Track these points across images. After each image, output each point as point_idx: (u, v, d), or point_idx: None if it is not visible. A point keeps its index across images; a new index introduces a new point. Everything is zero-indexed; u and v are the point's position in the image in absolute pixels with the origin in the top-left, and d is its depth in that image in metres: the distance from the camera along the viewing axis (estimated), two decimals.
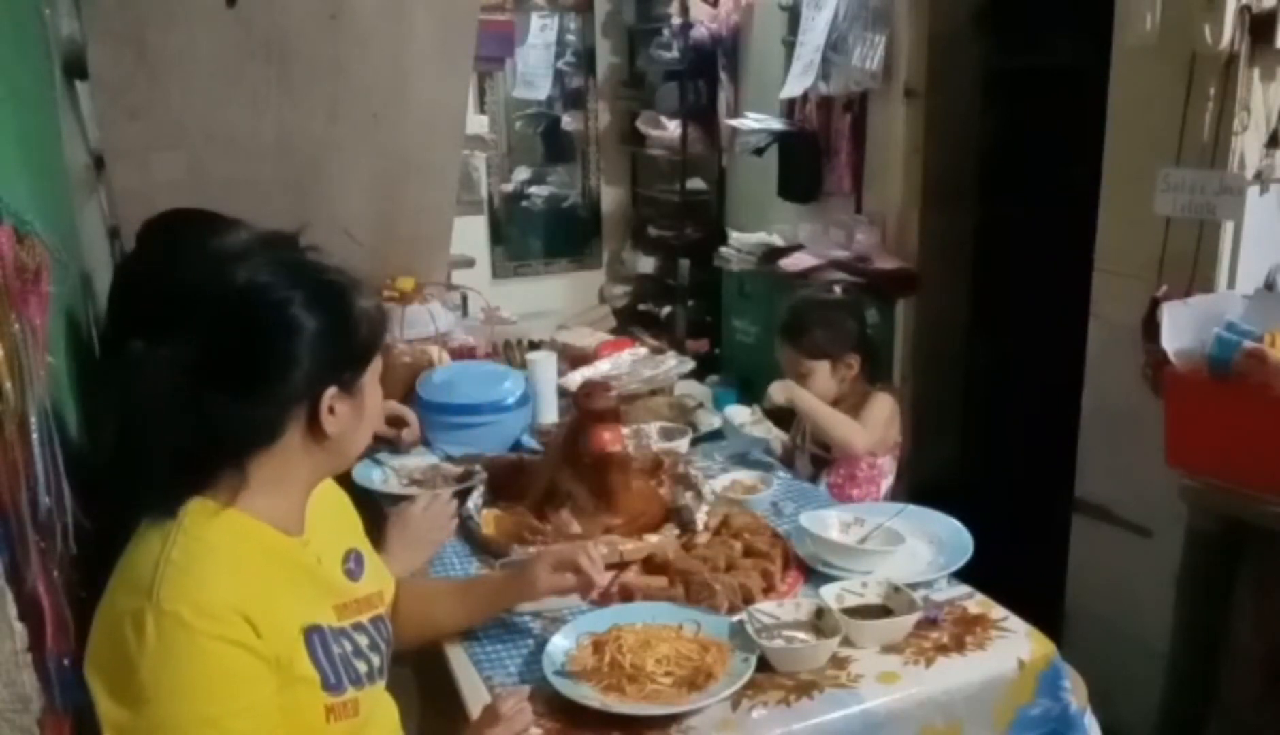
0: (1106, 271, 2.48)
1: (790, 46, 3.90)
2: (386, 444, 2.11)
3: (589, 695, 1.29)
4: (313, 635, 1.10)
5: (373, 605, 1.25)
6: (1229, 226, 2.20)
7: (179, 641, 0.98)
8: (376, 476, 2.02)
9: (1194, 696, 2.17)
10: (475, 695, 1.35)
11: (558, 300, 5.12)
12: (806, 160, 3.95)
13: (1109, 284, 2.47)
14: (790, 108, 4.03)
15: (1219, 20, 2.05)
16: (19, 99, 1.52)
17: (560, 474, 1.83)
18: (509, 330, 3.09)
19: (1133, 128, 2.37)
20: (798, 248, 3.88)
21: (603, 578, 1.45)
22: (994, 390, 3.57)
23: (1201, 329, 2.01)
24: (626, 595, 1.54)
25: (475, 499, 1.87)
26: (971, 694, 1.37)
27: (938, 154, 3.52)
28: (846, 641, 1.40)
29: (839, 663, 1.38)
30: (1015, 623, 1.49)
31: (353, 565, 1.26)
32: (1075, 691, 1.46)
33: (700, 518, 1.76)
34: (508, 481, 1.96)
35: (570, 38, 5.08)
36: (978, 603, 1.55)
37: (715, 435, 2.27)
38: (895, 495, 2.26)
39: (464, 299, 3.14)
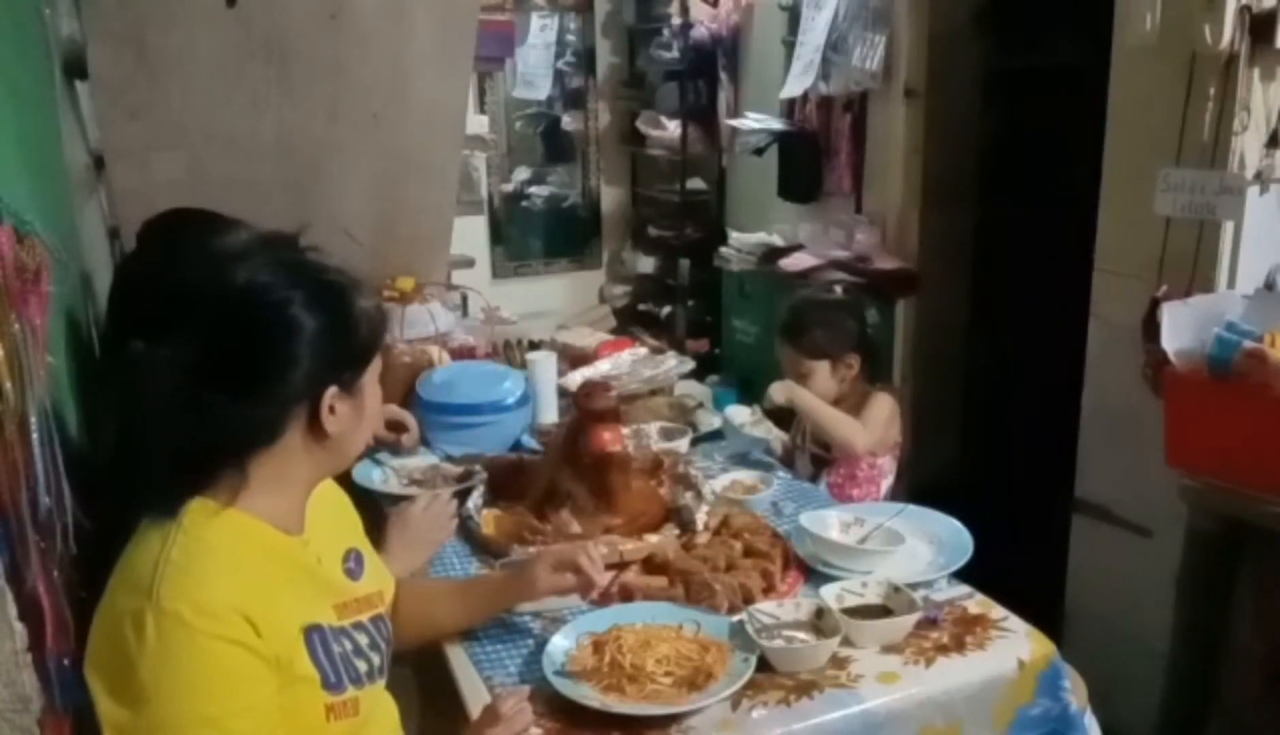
0: (1106, 271, 2.48)
1: (790, 46, 3.90)
2: (386, 446, 2.11)
3: (589, 695, 1.29)
4: (313, 634, 1.10)
5: (373, 604, 1.25)
6: (1229, 226, 2.20)
7: (179, 641, 0.98)
8: (376, 476, 2.02)
9: (1194, 696, 2.17)
10: (475, 695, 1.35)
11: (558, 300, 5.12)
12: (806, 160, 3.95)
13: (1109, 284, 2.47)
14: (790, 108, 4.03)
15: (1219, 20, 2.05)
16: (19, 99, 1.52)
17: (560, 474, 1.83)
18: (509, 330, 3.09)
19: (1133, 128, 2.37)
20: (798, 248, 3.88)
21: (603, 578, 1.45)
22: (994, 390, 3.57)
23: (1201, 329, 2.00)
24: (626, 595, 1.54)
25: (475, 499, 1.87)
26: (971, 694, 1.37)
27: (938, 154, 3.52)
28: (846, 641, 1.40)
29: (839, 663, 1.38)
30: (1015, 623, 1.49)
31: (353, 564, 1.26)
32: (1075, 691, 1.46)
33: (700, 518, 1.76)
34: (508, 481, 1.96)
35: (570, 38, 5.08)
36: (978, 603, 1.55)
37: (715, 435, 2.27)
38: (895, 495, 2.26)
39: (464, 299, 3.14)
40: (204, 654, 0.99)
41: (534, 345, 3.01)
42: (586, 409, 1.80)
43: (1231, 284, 2.23)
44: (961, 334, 3.64)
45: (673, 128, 4.71)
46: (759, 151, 4.12)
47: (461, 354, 2.55)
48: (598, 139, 5.27)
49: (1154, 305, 2.16)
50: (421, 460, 2.11)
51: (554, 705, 1.30)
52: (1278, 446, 1.89)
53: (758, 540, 1.67)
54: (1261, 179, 2.20)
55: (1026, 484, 3.07)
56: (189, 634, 0.98)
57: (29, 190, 1.38)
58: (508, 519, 1.83)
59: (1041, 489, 2.82)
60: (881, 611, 1.47)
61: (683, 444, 2.16)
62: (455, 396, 2.19)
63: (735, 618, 1.45)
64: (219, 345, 1.07)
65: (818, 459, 2.28)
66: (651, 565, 1.63)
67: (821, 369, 2.22)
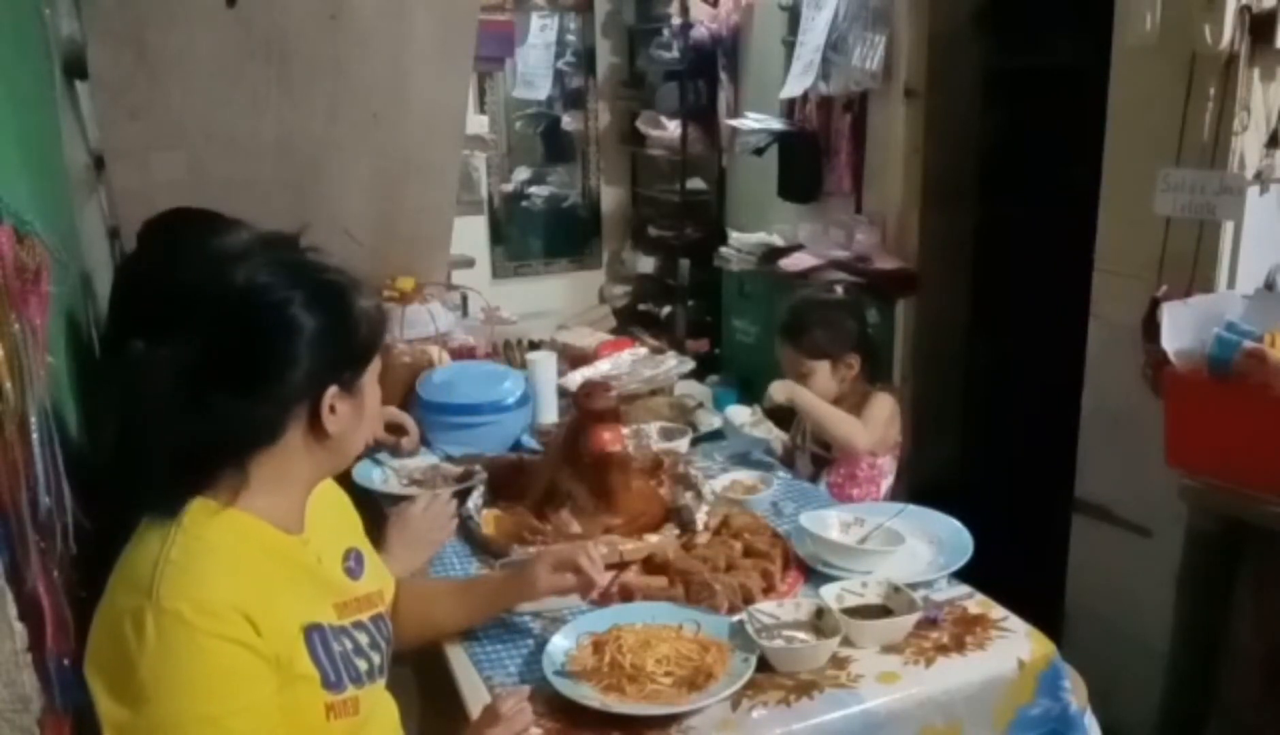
0: (1106, 271, 2.48)
1: (790, 46, 3.90)
2: (386, 448, 2.11)
3: (589, 695, 1.29)
4: (313, 633, 1.10)
5: (373, 603, 1.25)
6: (1229, 226, 2.20)
7: (179, 640, 0.98)
8: (376, 476, 2.02)
9: (1194, 696, 2.17)
10: (475, 695, 1.36)
11: (558, 300, 5.12)
12: (806, 160, 3.95)
13: (1109, 284, 2.47)
14: (790, 108, 4.03)
15: (1219, 20, 2.05)
16: (19, 99, 1.52)
17: (560, 474, 1.83)
18: (509, 330, 3.09)
19: (1133, 128, 2.37)
20: (798, 248, 3.88)
21: (603, 578, 1.45)
22: (994, 390, 3.57)
23: (1201, 329, 2.00)
24: (626, 595, 1.54)
25: (475, 499, 1.87)
26: (971, 694, 1.37)
27: (938, 154, 3.52)
28: (846, 641, 1.41)
29: (839, 663, 1.38)
30: (1015, 623, 1.49)
31: (353, 564, 1.26)
32: (1075, 691, 1.46)
33: (700, 518, 1.76)
34: (508, 481, 1.96)
35: (570, 38, 5.08)
36: (978, 603, 1.55)
37: (715, 435, 2.27)
38: (895, 495, 2.26)
39: (464, 299, 3.14)
40: (204, 653, 0.99)
41: (534, 345, 3.01)
42: (586, 409, 1.80)
43: (1231, 284, 2.23)
44: (961, 334, 3.64)
45: (673, 128, 4.71)
46: (759, 151, 4.12)
47: (461, 354, 2.55)
48: (598, 139, 5.27)
49: (1154, 305, 2.16)
50: (421, 460, 2.11)
51: (554, 705, 1.30)
52: (1278, 446, 1.89)
53: (758, 540, 1.67)
54: (1261, 179, 2.20)
55: (1026, 484, 3.06)
56: (189, 633, 0.98)
57: (29, 190, 1.38)
58: (508, 519, 1.83)
59: (1041, 489, 2.82)
60: (881, 611, 1.47)
61: (683, 444, 2.16)
62: (455, 396, 2.19)
63: (735, 618, 1.45)
64: (219, 345, 1.07)
65: (818, 459, 2.28)
66: (651, 565, 1.63)
67: (822, 369, 2.22)
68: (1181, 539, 2.17)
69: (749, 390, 3.42)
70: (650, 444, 2.13)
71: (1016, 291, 3.42)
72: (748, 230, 4.32)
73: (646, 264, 5.24)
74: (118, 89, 2.31)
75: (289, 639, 1.07)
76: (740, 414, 2.21)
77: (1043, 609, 1.64)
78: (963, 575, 1.60)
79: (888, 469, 2.26)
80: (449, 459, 2.11)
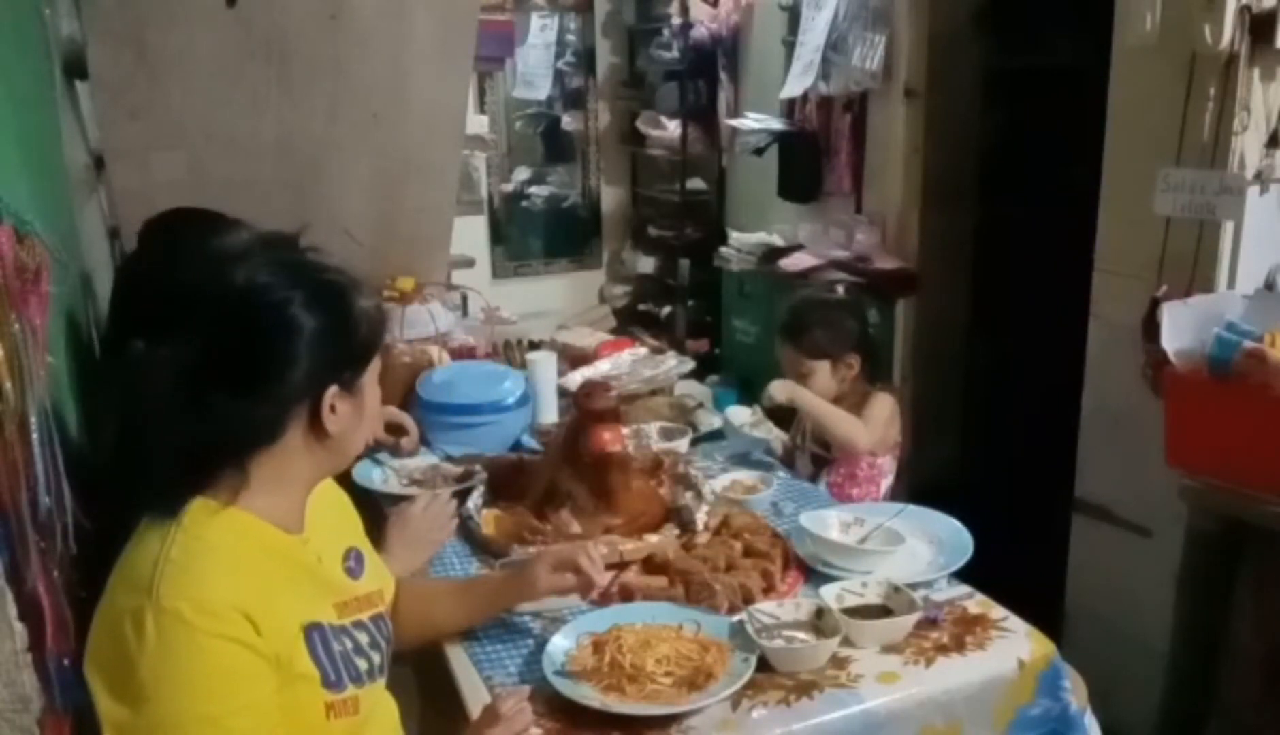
0: (1106, 271, 2.48)
1: (790, 46, 3.90)
2: (386, 449, 2.10)
3: (589, 695, 1.29)
4: (313, 633, 1.11)
5: (373, 603, 1.25)
6: (1229, 226, 2.20)
7: (179, 639, 0.98)
8: (376, 476, 2.02)
9: (1194, 696, 2.17)
10: (475, 695, 1.36)
11: (558, 300, 5.12)
12: (806, 160, 3.95)
13: (1109, 284, 2.47)
14: (790, 108, 4.03)
15: (1219, 20, 2.05)
16: (19, 99, 1.52)
17: (560, 474, 1.83)
18: (509, 330, 3.09)
19: (1133, 128, 2.37)
20: (798, 248, 3.88)
21: (603, 578, 1.45)
22: (994, 390, 3.57)
23: (1201, 329, 2.00)
24: (626, 595, 1.54)
25: (475, 499, 1.87)
26: (971, 694, 1.37)
27: (938, 154, 3.52)
28: (846, 641, 1.41)
29: (839, 663, 1.38)
30: (1015, 623, 1.49)
31: (353, 563, 1.26)
32: (1075, 691, 1.46)
33: (700, 518, 1.76)
34: (508, 481, 1.96)
35: (570, 38, 5.08)
36: (978, 603, 1.55)
37: (715, 435, 2.27)
38: (895, 495, 2.26)
39: (464, 299, 3.14)
40: (204, 652, 0.99)
41: (534, 345, 3.02)
42: (586, 409, 1.80)
43: (1231, 284, 2.23)
44: (961, 334, 3.64)
45: (673, 128, 4.71)
46: (759, 151, 4.12)
47: (461, 354, 2.55)
48: (598, 139, 5.27)
49: (1154, 305, 2.16)
50: (421, 460, 2.11)
51: (554, 705, 1.30)
52: (1278, 446, 1.89)
53: (758, 540, 1.67)
54: (1261, 179, 2.20)
55: (1026, 484, 3.06)
56: (189, 632, 0.99)
57: (29, 190, 1.38)
58: (508, 519, 1.83)
59: (1041, 489, 2.82)
60: (881, 611, 1.47)
61: (683, 444, 2.16)
62: (455, 396, 2.19)
63: (735, 618, 1.45)
64: (219, 345, 1.07)
65: (818, 459, 2.28)
66: (651, 565, 1.63)
67: (822, 369, 2.22)
68: (1181, 539, 2.17)
69: (749, 390, 3.42)
70: (650, 444, 2.13)
71: (1016, 291, 3.42)
72: (748, 230, 4.32)
73: (646, 264, 5.24)
74: (118, 89, 2.31)
75: (289, 638, 1.07)
76: (740, 414, 2.21)
77: (1043, 609, 1.64)
78: (963, 575, 1.60)
79: (888, 469, 2.26)
80: (449, 459, 2.11)
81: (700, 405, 2.43)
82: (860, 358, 2.24)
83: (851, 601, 1.49)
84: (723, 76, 4.56)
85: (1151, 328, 2.14)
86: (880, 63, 3.48)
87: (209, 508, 1.08)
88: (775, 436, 2.25)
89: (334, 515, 1.32)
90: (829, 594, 1.49)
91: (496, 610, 1.49)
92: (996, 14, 3.43)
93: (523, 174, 5.20)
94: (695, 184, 4.83)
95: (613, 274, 5.45)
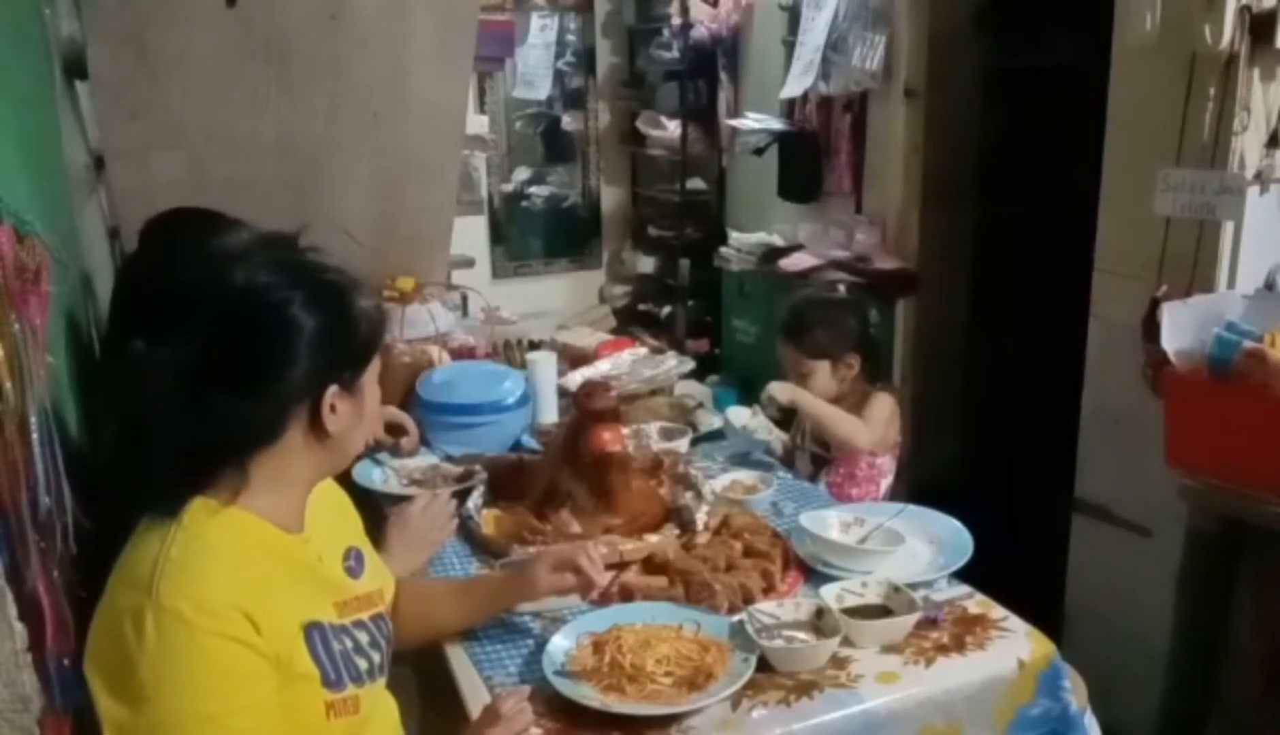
0: (1106, 271, 2.48)
1: (790, 46, 3.90)
2: (386, 449, 2.10)
3: (589, 695, 1.29)
4: (313, 632, 1.11)
5: (373, 603, 1.25)
6: (1229, 226, 2.20)
7: (179, 638, 0.98)
8: (376, 476, 2.02)
9: (1194, 696, 2.17)
10: (475, 695, 1.36)
11: (558, 300, 5.13)
12: (806, 160, 3.95)
13: (1109, 284, 2.47)
14: (790, 108, 4.03)
15: (1219, 20, 2.05)
16: (19, 99, 1.52)
17: (560, 474, 1.83)
18: (509, 330, 3.09)
19: (1133, 128, 2.37)
20: (798, 248, 3.88)
21: (603, 578, 1.45)
22: (994, 390, 3.57)
23: (1201, 329, 2.00)
24: (626, 595, 1.54)
25: (475, 499, 1.87)
26: (971, 694, 1.37)
27: (938, 154, 3.52)
28: (846, 641, 1.41)
29: (839, 663, 1.38)
30: (1015, 623, 1.49)
31: (353, 563, 1.26)
32: (1075, 691, 1.46)
33: (700, 518, 1.76)
34: (508, 481, 1.95)
35: (570, 38, 5.08)
36: (978, 603, 1.55)
37: (715, 435, 2.27)
38: (895, 495, 2.26)
39: (464, 299, 3.14)
40: (204, 651, 0.99)
41: (534, 345, 3.02)
42: (586, 409, 1.80)
43: (1231, 284, 2.23)
44: (961, 334, 3.64)
45: (673, 128, 4.71)
46: (759, 151, 4.12)
47: (461, 354, 2.55)
48: (598, 139, 5.27)
49: (1154, 305, 2.16)
50: (421, 460, 2.11)
51: (554, 705, 1.30)
52: (1278, 446, 1.89)
53: (758, 540, 1.67)
54: (1261, 179, 2.20)
55: (1026, 484, 3.06)
56: (189, 631, 0.99)
57: (29, 190, 1.38)
58: (508, 519, 1.83)
59: (1041, 489, 2.82)
60: (881, 611, 1.47)
61: (683, 444, 2.16)
62: (455, 396, 2.19)
63: (735, 618, 1.45)
64: (219, 345, 1.07)
65: (818, 459, 2.28)
66: (651, 565, 1.63)
67: (822, 369, 2.22)
68: (1181, 539, 2.17)
69: (749, 390, 3.42)
70: (650, 444, 2.13)
71: (1016, 291, 3.42)
72: (748, 230, 4.32)
73: (646, 264, 5.24)
74: (118, 89, 2.31)
75: (289, 637, 1.07)
76: (740, 414, 2.21)
77: (1043, 609, 1.64)
78: (963, 575, 1.60)
79: (887, 469, 2.26)
80: (449, 459, 2.11)
81: (700, 405, 2.43)
82: (860, 358, 2.24)
83: (851, 601, 1.49)
84: (723, 76, 4.56)
85: (1151, 328, 2.14)
86: (880, 63, 3.48)
87: (209, 507, 1.08)
88: (775, 436, 2.25)
89: (334, 515, 1.32)
90: (829, 594, 1.49)
91: (496, 610, 1.49)
92: (996, 14, 3.43)
93: (523, 174, 5.20)
94: (695, 184, 4.83)
95: (613, 274, 5.45)
